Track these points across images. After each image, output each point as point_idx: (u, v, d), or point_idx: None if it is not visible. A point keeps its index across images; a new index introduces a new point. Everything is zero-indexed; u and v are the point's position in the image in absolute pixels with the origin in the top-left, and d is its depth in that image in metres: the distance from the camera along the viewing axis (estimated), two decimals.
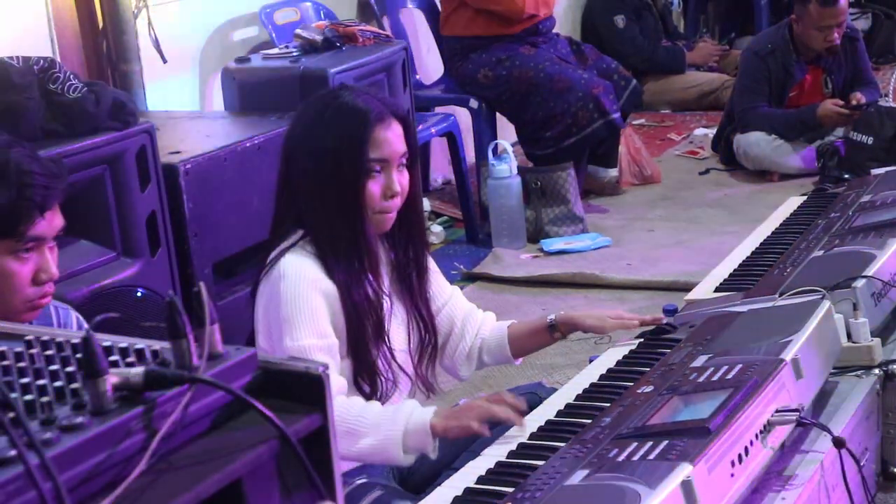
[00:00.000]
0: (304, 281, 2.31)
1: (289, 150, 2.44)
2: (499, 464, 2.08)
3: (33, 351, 1.19)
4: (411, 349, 2.52)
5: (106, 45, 4.19)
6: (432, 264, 2.59)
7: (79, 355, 1.16)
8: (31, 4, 3.89)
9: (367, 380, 2.39)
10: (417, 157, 2.48)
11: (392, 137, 2.37)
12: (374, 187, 2.37)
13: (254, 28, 4.93)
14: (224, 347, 1.16)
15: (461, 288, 4.53)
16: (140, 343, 1.18)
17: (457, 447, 2.34)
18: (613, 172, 5.72)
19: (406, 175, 2.42)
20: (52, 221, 2.06)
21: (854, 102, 5.49)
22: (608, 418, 2.12)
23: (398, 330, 2.49)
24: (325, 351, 2.28)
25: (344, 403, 2.24)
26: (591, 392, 2.37)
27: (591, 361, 2.60)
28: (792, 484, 2.05)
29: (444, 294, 2.63)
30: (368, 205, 2.37)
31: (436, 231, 5.21)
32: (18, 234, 2.01)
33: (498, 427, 2.23)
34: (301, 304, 2.29)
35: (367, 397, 2.38)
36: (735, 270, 3.11)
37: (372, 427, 2.21)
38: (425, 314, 2.53)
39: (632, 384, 2.30)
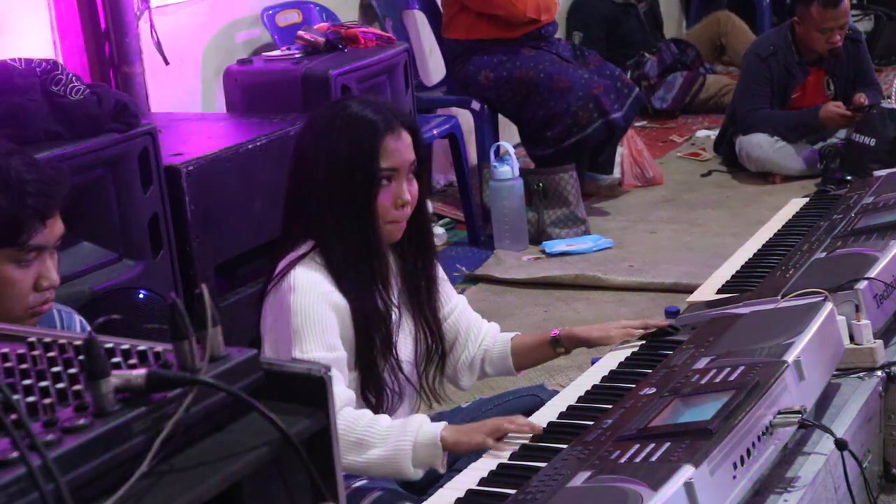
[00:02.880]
0: (315, 294, 2.31)
1: (298, 160, 2.43)
2: (501, 465, 2.08)
3: (36, 353, 1.19)
4: (417, 360, 2.51)
5: (108, 47, 4.20)
6: (440, 272, 2.58)
7: (81, 357, 1.16)
8: (33, 6, 3.90)
9: (373, 392, 2.39)
10: (425, 166, 2.47)
11: (402, 147, 2.36)
12: (385, 197, 2.36)
13: (256, 30, 4.93)
14: (226, 349, 1.16)
15: (463, 290, 4.54)
16: (142, 345, 1.18)
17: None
18: (612, 176, 5.73)
19: (415, 184, 2.41)
20: (53, 229, 2.04)
21: (856, 104, 5.49)
22: (610, 420, 2.12)
23: (405, 341, 2.48)
24: (333, 364, 2.27)
25: (352, 415, 2.23)
26: (594, 394, 2.37)
27: (593, 363, 2.60)
28: (794, 486, 2.05)
29: (451, 302, 2.62)
30: (380, 215, 2.36)
31: (438, 233, 5.20)
32: (20, 244, 1.99)
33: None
34: (311, 316, 2.29)
35: (373, 409, 2.38)
36: (737, 272, 3.11)
37: (381, 438, 2.20)
38: (433, 324, 2.53)
39: (634, 386, 2.30)
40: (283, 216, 2.46)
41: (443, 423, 2.24)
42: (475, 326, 2.66)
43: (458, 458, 2.33)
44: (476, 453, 2.20)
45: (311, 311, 2.29)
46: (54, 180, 2.03)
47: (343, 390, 2.27)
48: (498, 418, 2.24)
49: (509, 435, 2.19)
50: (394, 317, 2.43)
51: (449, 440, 2.19)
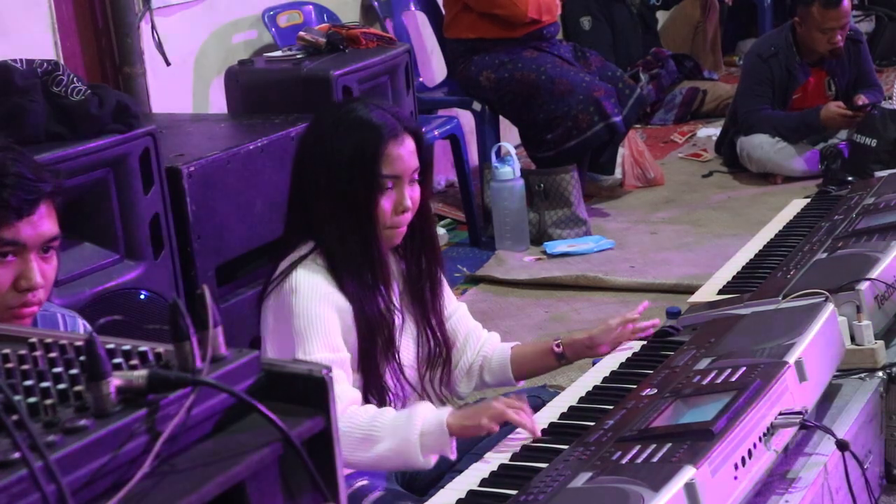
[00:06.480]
0: (317, 295, 2.31)
1: (301, 162, 2.43)
2: (502, 466, 2.08)
3: (37, 353, 1.19)
4: (419, 363, 2.51)
5: (109, 48, 4.20)
6: (441, 277, 2.58)
7: (82, 358, 1.16)
8: (34, 7, 3.90)
9: (375, 395, 2.39)
10: (430, 171, 2.47)
11: (405, 154, 2.36)
12: (386, 203, 2.36)
13: (257, 30, 4.93)
14: (227, 350, 1.16)
15: (464, 291, 4.54)
16: (143, 345, 1.18)
17: (460, 449, 2.34)
18: (613, 177, 5.73)
19: (417, 189, 2.41)
20: (38, 228, 1.98)
21: (857, 104, 5.49)
22: (611, 421, 2.12)
23: (408, 344, 2.48)
24: (337, 365, 2.27)
25: (357, 411, 2.23)
26: (595, 394, 2.38)
27: (594, 364, 2.60)
28: (795, 487, 2.05)
29: (450, 307, 2.62)
30: (380, 220, 2.36)
31: (439, 234, 5.19)
32: None
33: (503, 427, 2.23)
34: (313, 318, 2.29)
35: None
36: (738, 273, 3.11)
37: (388, 431, 2.20)
38: (436, 327, 2.53)
39: (635, 387, 2.30)
40: (285, 216, 2.46)
41: (447, 409, 2.24)
42: (474, 333, 2.65)
43: (460, 458, 2.33)
44: (476, 453, 2.20)
45: (313, 313, 2.29)
46: (38, 177, 1.98)
47: (348, 389, 2.27)
48: (501, 403, 2.22)
49: (509, 439, 2.19)
50: (397, 320, 2.43)
51: (455, 425, 2.18)
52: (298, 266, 2.34)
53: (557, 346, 2.61)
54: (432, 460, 2.22)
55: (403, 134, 2.37)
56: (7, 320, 1.99)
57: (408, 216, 2.39)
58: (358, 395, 2.31)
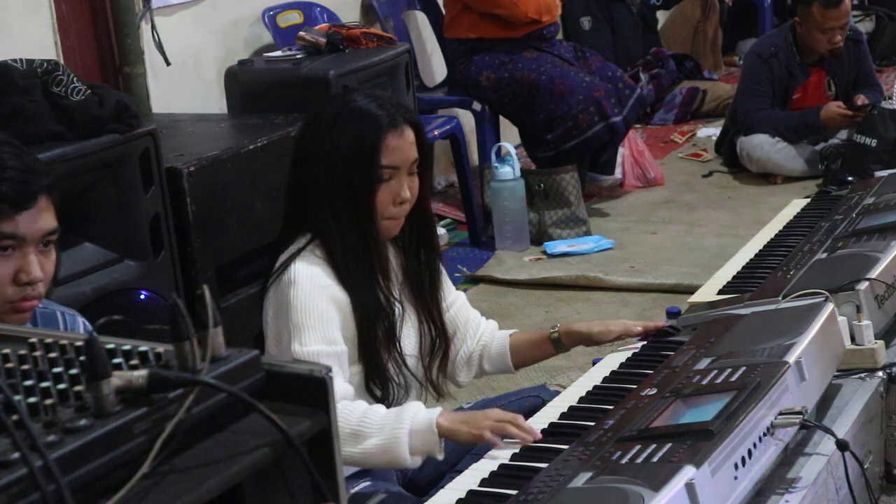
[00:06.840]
0: (315, 287, 2.30)
1: (299, 152, 2.42)
2: (502, 466, 2.08)
3: (37, 353, 1.19)
4: (422, 353, 2.51)
5: (109, 48, 4.20)
6: (440, 267, 2.58)
7: (82, 358, 1.16)
8: (34, 7, 3.90)
9: (378, 385, 2.39)
10: (430, 162, 2.46)
11: (404, 145, 2.36)
12: (384, 194, 2.35)
13: (257, 30, 4.93)
14: (227, 350, 1.16)
15: (464, 290, 4.54)
16: (143, 345, 1.18)
17: (460, 450, 2.34)
18: (613, 177, 5.74)
19: (416, 180, 2.41)
20: (36, 222, 1.98)
21: (857, 104, 5.49)
22: (611, 421, 2.11)
23: (409, 334, 2.48)
24: (333, 357, 2.27)
25: (348, 407, 2.23)
26: (595, 394, 2.37)
27: (594, 364, 2.60)
28: (795, 486, 2.04)
29: (449, 297, 2.62)
30: (378, 211, 2.36)
31: (439, 233, 5.19)
32: None
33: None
34: (311, 310, 2.29)
35: (379, 402, 2.37)
36: (738, 273, 3.11)
37: (377, 428, 2.20)
38: (437, 318, 2.53)
39: (635, 387, 2.29)
40: (284, 208, 2.46)
41: (438, 409, 2.23)
42: (473, 322, 2.66)
43: (460, 458, 2.33)
44: (477, 453, 2.20)
45: (311, 305, 2.29)
46: (33, 170, 1.98)
47: (340, 384, 2.26)
48: (501, 414, 2.22)
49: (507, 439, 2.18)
50: (397, 310, 2.43)
51: (445, 425, 2.18)
52: (297, 258, 2.34)
53: (554, 332, 2.61)
54: (419, 460, 2.22)
55: (403, 125, 2.36)
56: (7, 314, 2.00)
57: (406, 207, 2.39)
58: (350, 389, 2.30)
